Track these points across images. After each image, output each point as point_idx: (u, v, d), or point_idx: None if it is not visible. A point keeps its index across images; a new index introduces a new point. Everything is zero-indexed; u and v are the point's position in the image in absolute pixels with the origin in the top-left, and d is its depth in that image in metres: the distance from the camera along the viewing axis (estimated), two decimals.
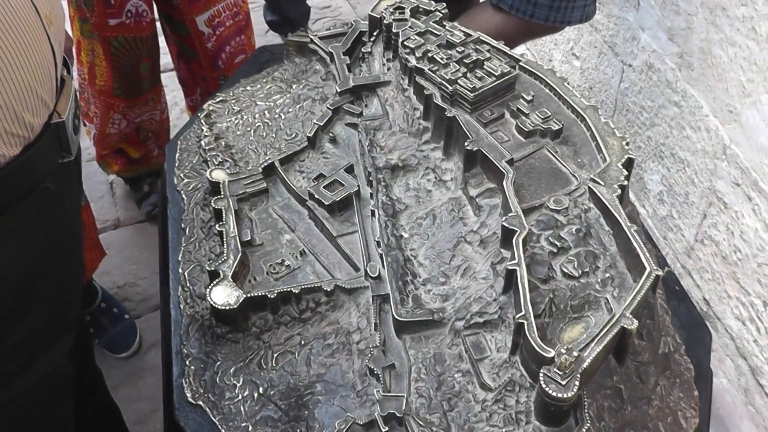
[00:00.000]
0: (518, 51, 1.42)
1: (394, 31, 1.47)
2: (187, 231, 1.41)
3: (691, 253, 1.98)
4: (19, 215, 1.07)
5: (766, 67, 1.54)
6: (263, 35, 3.23)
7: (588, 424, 0.94)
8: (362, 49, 1.57)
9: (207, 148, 1.52)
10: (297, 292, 1.20)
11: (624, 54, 2.15)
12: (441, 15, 1.48)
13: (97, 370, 1.71)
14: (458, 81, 1.31)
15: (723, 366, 1.90)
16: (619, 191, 1.15)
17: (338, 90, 1.48)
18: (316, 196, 1.32)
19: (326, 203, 1.31)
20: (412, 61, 1.39)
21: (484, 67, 1.34)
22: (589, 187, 1.17)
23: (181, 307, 1.29)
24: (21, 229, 1.08)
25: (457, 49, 1.37)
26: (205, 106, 1.65)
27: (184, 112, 2.85)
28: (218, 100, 1.66)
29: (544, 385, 0.92)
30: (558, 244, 1.10)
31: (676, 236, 2.03)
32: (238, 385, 1.17)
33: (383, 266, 1.21)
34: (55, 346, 1.25)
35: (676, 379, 1.19)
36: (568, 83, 1.34)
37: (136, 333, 2.28)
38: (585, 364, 0.94)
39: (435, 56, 1.36)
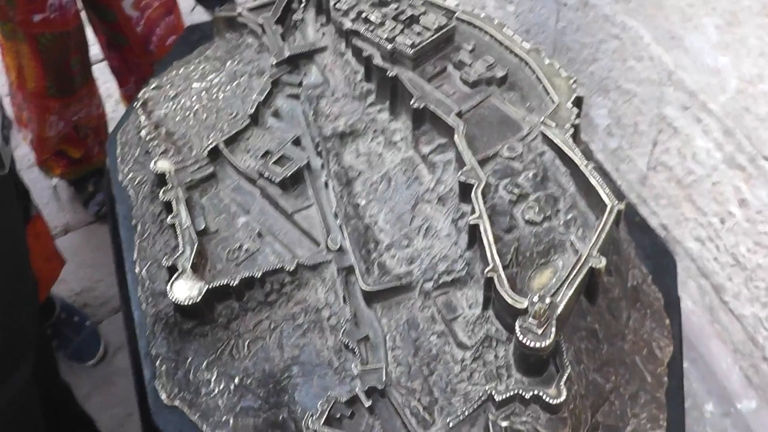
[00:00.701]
0: (451, 2, 1.38)
1: None
2: (138, 227, 1.37)
3: (645, 182, 1.98)
4: None
5: None
6: (189, 14, 3.13)
7: (569, 369, 0.93)
8: (293, 17, 1.53)
9: (148, 138, 1.47)
10: (259, 276, 1.17)
11: None
12: None
13: (65, 385, 1.66)
14: (396, 39, 1.28)
15: (686, 288, 1.91)
16: (572, 130, 1.14)
17: (274, 61, 1.44)
18: (265, 174, 1.29)
19: (277, 180, 1.28)
20: (347, 24, 1.35)
21: (421, 22, 1.31)
22: (541, 131, 1.15)
23: (143, 307, 1.26)
24: None
25: (391, 6, 1.34)
26: (139, 94, 1.59)
27: (119, 103, 2.76)
28: (153, 86, 1.61)
29: (521, 337, 0.91)
30: (516, 191, 1.09)
31: (628, 167, 2.03)
32: (213, 379, 1.14)
33: (344, 237, 1.19)
34: (14, 373, 1.19)
35: (646, 310, 1.19)
36: (507, 29, 1.32)
37: (100, 339, 2.23)
38: (559, 310, 0.93)
39: (369, 16, 1.33)
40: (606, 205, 1.03)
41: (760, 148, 1.51)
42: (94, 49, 2.31)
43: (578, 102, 1.19)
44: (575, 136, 1.15)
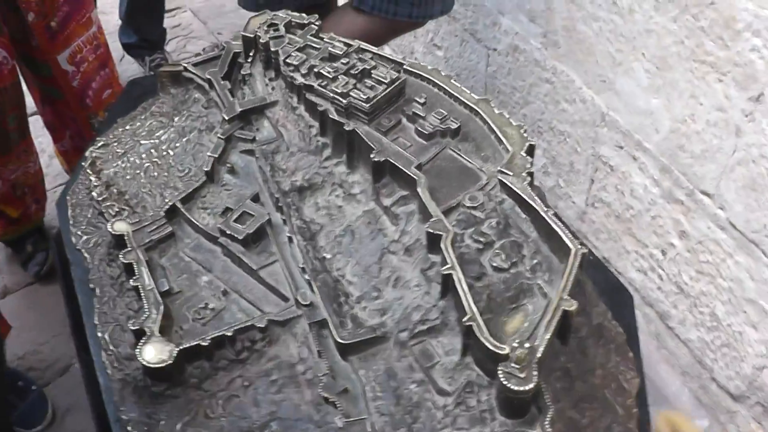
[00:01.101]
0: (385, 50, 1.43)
1: (272, 49, 1.44)
2: (97, 291, 1.35)
3: (584, 217, 2.06)
4: None
5: (632, 36, 1.62)
6: (119, 63, 3.11)
7: (552, 409, 0.96)
8: (241, 72, 1.54)
9: (100, 199, 1.46)
10: (230, 334, 1.18)
11: (487, 39, 2.20)
12: (316, 27, 1.47)
13: None
14: (350, 93, 1.31)
15: None
16: (528, 178, 1.18)
17: (225, 117, 1.45)
18: (227, 231, 1.29)
19: (240, 237, 1.28)
20: (299, 79, 1.37)
21: (372, 75, 1.34)
22: (499, 180, 1.19)
23: (109, 372, 1.24)
24: None
25: (342, 60, 1.37)
26: (87, 153, 1.58)
27: (53, 158, 2.71)
28: (99, 145, 1.59)
29: (505, 382, 0.94)
30: (482, 240, 1.13)
31: (566, 204, 2.11)
32: None
33: (313, 292, 1.20)
34: None
35: (610, 345, 1.24)
36: (454, 80, 1.36)
37: (47, 403, 2.16)
38: (539, 354, 0.96)
39: (321, 71, 1.35)
40: (570, 249, 1.07)
41: (697, 184, 1.60)
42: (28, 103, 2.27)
43: (531, 150, 1.24)
44: (531, 184, 1.19)
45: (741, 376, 1.74)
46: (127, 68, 3.17)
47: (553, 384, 1.04)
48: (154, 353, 1.14)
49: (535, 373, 0.95)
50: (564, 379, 1.07)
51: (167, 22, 3.23)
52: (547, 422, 0.95)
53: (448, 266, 1.06)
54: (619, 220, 1.92)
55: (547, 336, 0.98)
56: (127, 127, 1.63)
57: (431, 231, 1.11)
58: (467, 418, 1.03)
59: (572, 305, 1.01)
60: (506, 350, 0.96)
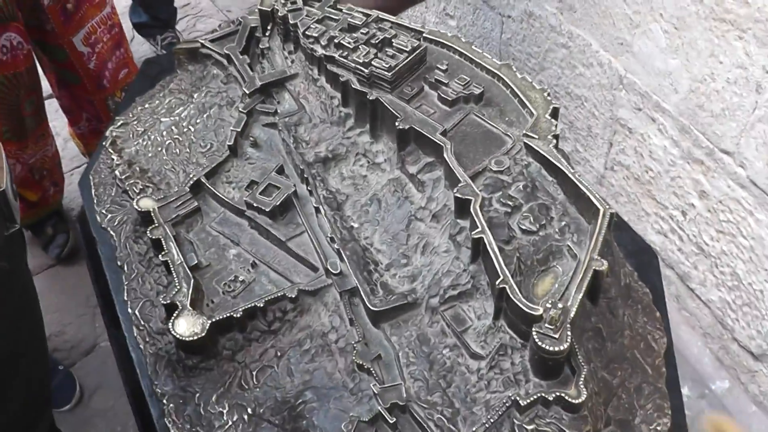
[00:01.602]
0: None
1: (291, 22, 1.44)
2: (125, 268, 1.36)
3: (602, 181, 2.06)
4: None
5: None
6: (130, 43, 3.11)
7: (585, 369, 0.97)
8: (260, 46, 1.54)
9: (123, 177, 1.47)
10: (261, 305, 1.19)
11: (500, 6, 2.19)
12: None
13: None
14: (372, 62, 1.31)
15: None
16: (554, 141, 1.18)
17: (246, 91, 1.46)
18: (254, 204, 1.30)
19: (267, 210, 1.29)
20: (320, 50, 1.37)
21: (393, 44, 1.34)
22: (524, 143, 1.19)
23: (141, 347, 1.25)
24: None
25: (361, 31, 1.37)
26: (107, 133, 1.58)
27: (68, 141, 2.72)
28: (119, 124, 1.60)
29: (539, 342, 0.95)
30: (510, 203, 1.13)
31: (585, 168, 2.10)
32: (225, 411, 1.15)
33: (342, 261, 1.21)
34: (37, 428, 1.17)
35: (637, 306, 1.24)
36: (475, 46, 1.36)
37: (74, 382, 2.18)
38: (571, 314, 0.97)
39: (341, 41, 1.35)
40: (598, 210, 1.08)
41: (717, 142, 1.59)
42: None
43: (555, 113, 1.24)
44: (557, 146, 1.19)
45: (762, 335, 1.74)
46: (138, 48, 3.17)
47: (584, 344, 1.04)
48: (187, 326, 1.15)
49: (569, 333, 0.95)
50: (595, 339, 1.08)
51: (176, 1, 3.23)
52: (581, 382, 0.96)
53: (478, 230, 1.07)
54: (638, 182, 1.92)
55: (579, 296, 0.99)
56: (146, 106, 1.63)
57: (459, 196, 1.12)
58: (501, 380, 1.03)
59: (602, 265, 1.01)
60: (539, 311, 0.97)
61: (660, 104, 1.72)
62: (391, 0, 1.96)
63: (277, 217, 1.30)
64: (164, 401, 1.17)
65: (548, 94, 1.25)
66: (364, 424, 1.05)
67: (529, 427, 0.97)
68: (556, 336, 0.95)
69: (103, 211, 1.46)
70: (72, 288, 2.40)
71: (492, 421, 0.99)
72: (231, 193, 1.37)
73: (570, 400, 0.95)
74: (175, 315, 1.16)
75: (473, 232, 1.07)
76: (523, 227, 1.11)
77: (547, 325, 0.95)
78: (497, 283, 1.01)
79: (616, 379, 1.09)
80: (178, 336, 1.14)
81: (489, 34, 2.32)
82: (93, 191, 1.51)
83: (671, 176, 1.79)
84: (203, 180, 1.37)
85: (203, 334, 1.14)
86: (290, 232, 1.28)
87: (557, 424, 0.97)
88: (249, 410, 1.14)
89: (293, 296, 1.19)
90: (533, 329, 0.96)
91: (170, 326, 1.15)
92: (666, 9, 1.61)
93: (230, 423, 1.13)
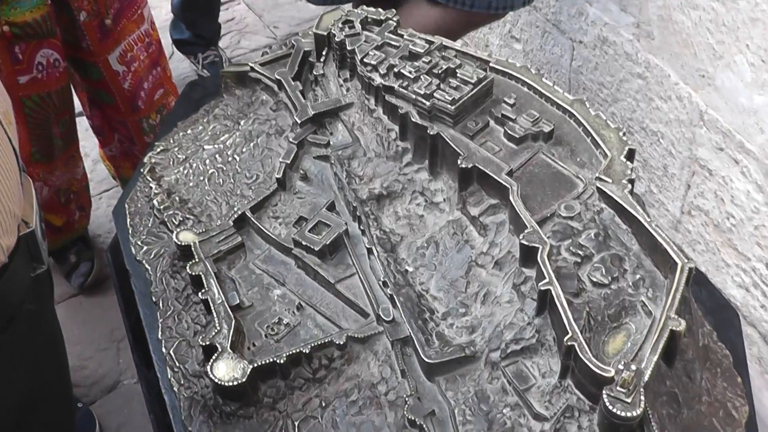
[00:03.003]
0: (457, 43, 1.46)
1: (348, 48, 1.49)
2: (160, 304, 1.41)
3: (678, 227, 2.07)
4: (3, 346, 1.04)
5: (736, 26, 1.63)
6: (168, 60, 3.21)
7: None
8: (313, 72, 1.59)
9: (161, 207, 1.52)
10: (307, 351, 1.22)
11: (571, 31, 2.22)
12: (394, 23, 1.51)
13: None
14: (434, 94, 1.34)
15: None
16: (629, 186, 1.21)
17: (297, 120, 1.50)
18: (303, 242, 1.34)
19: (316, 249, 1.33)
20: (378, 79, 1.41)
21: (457, 75, 1.37)
22: (597, 187, 1.22)
23: (176, 389, 1.29)
24: (6, 359, 1.05)
25: (423, 59, 1.41)
26: (145, 159, 1.64)
27: (97, 163, 2.80)
28: (159, 150, 1.66)
29: (610, 407, 0.97)
30: (580, 252, 1.15)
31: (659, 212, 2.12)
32: None
33: (395, 307, 1.24)
34: None
35: (716, 369, 1.26)
36: (545, 79, 1.39)
37: (94, 421, 2.24)
38: (646, 377, 0.99)
39: (402, 70, 1.39)
40: (676, 264, 1.10)
41: None
42: None
43: (631, 155, 1.26)
44: (632, 192, 1.22)
45: None
46: (177, 65, 3.25)
47: (659, 410, 1.06)
48: (226, 370, 1.19)
49: (642, 397, 0.97)
50: (669, 405, 1.09)
51: (220, 17, 3.30)
52: None
53: (545, 281, 1.09)
54: (717, 230, 1.93)
55: (654, 358, 1.01)
56: (188, 132, 1.69)
57: (526, 243, 1.15)
58: None
59: (680, 325, 1.03)
60: (611, 373, 0.99)
61: (744, 145, 1.73)
62: (454, 23, 2.01)
63: (326, 257, 1.34)
64: None
65: (624, 134, 1.28)
66: None
67: None
68: (629, 400, 0.97)
69: (139, 243, 1.51)
70: (95, 320, 2.47)
71: None
72: (277, 230, 1.41)
73: None
74: (214, 358, 1.20)
75: (540, 284, 1.10)
76: (594, 279, 1.13)
77: (619, 387, 0.97)
78: (565, 339, 1.03)
79: None
80: (216, 380, 1.18)
81: (558, 60, 2.36)
82: (128, 221, 1.56)
83: (755, 224, 1.79)
84: (248, 214, 1.41)
85: (244, 380, 1.17)
86: (340, 273, 1.32)
87: None
88: None
89: (341, 343, 1.23)
90: (604, 392, 0.98)
91: (208, 370, 1.19)
92: (753, 40, 1.63)
93: None
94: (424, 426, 1.12)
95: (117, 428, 2.25)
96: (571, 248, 1.16)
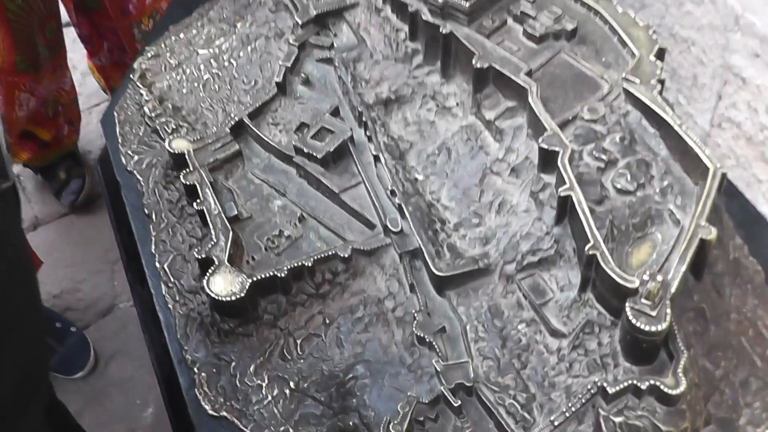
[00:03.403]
0: None
1: None
2: (153, 217, 1.38)
3: (707, 140, 2.02)
4: None
5: None
6: None
7: (685, 355, 0.96)
8: None
9: (153, 114, 1.49)
10: (309, 265, 1.20)
11: None
12: None
13: (62, 405, 1.65)
14: None
15: None
16: (659, 86, 1.17)
17: (299, 21, 1.46)
18: (305, 149, 1.31)
19: (319, 156, 1.30)
20: None
21: None
22: (623, 88, 1.18)
23: (171, 307, 1.28)
24: None
25: None
26: (135, 65, 1.60)
27: (87, 75, 2.76)
28: (150, 55, 1.62)
29: (633, 320, 0.94)
30: (604, 157, 1.12)
31: (687, 125, 2.06)
32: (264, 384, 1.17)
33: (404, 217, 1.21)
34: (28, 412, 1.19)
35: (747, 286, 1.22)
36: None
37: (89, 347, 2.24)
38: (673, 288, 0.96)
39: None
40: (707, 169, 1.06)
41: None
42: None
43: (661, 54, 1.22)
44: (661, 93, 1.17)
45: None
46: None
47: (685, 326, 1.03)
48: (224, 285, 1.17)
49: (668, 311, 0.95)
50: (697, 321, 1.06)
51: None
52: (680, 370, 0.95)
53: (565, 187, 1.06)
54: (750, 143, 1.88)
55: (682, 268, 0.98)
56: (181, 36, 1.64)
57: (545, 147, 1.11)
58: (585, 363, 1.03)
59: (710, 233, 1.00)
60: (635, 284, 0.96)
61: None
62: None
63: (329, 166, 1.31)
64: (195, 369, 1.19)
65: (653, 32, 1.23)
66: (423, 407, 1.05)
67: (617, 420, 0.96)
68: (654, 313, 0.94)
69: (130, 153, 1.48)
70: (88, 240, 2.45)
71: (573, 410, 0.99)
72: (278, 137, 1.38)
73: (666, 390, 0.94)
74: (210, 272, 1.18)
75: (560, 189, 1.06)
76: (619, 186, 1.09)
77: (643, 300, 0.95)
78: (587, 248, 1.00)
79: (719, 369, 1.08)
80: (213, 295, 1.16)
81: None
82: (118, 129, 1.53)
83: None
84: (246, 120, 1.38)
85: (242, 295, 1.15)
86: (344, 183, 1.29)
87: (650, 417, 0.96)
88: (291, 384, 1.15)
89: (346, 256, 1.20)
90: (627, 304, 0.95)
91: (205, 284, 1.16)
92: None
93: (269, 398, 1.15)
94: (434, 343, 1.10)
95: (112, 354, 2.25)
96: (594, 153, 1.12)
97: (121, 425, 2.09)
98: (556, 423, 0.99)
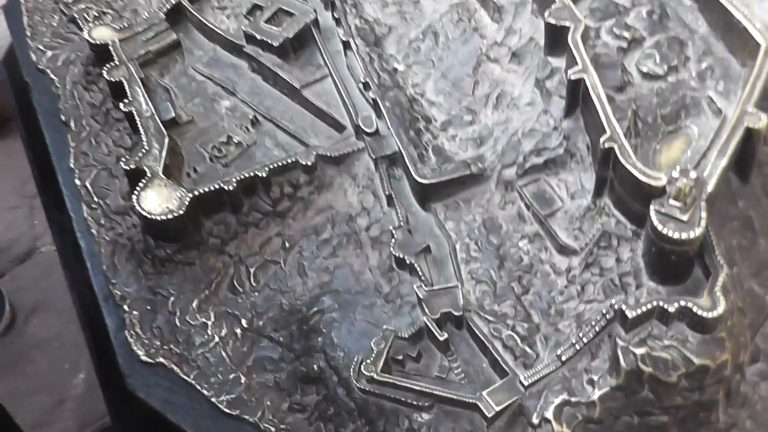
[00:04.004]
0: None
1: None
2: (72, 124, 1.38)
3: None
4: None
5: None
6: None
7: (725, 272, 0.96)
8: None
9: (70, 0, 1.48)
10: (264, 176, 1.19)
11: None
12: None
13: None
14: None
15: None
16: None
17: None
18: (258, 37, 1.30)
19: (275, 44, 1.29)
20: None
21: None
22: None
23: (95, 232, 1.27)
24: None
25: None
26: None
27: None
28: None
29: (659, 227, 0.94)
30: (627, 35, 1.11)
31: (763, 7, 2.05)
32: (210, 323, 1.17)
33: (380, 116, 1.21)
34: None
35: None
36: None
37: (2, 299, 2.24)
38: (709, 187, 0.95)
39: None
40: (758, 45, 1.05)
41: None
42: None
43: None
44: None
45: None
46: None
47: (727, 238, 1.03)
48: (158, 201, 1.16)
49: (703, 214, 0.94)
50: (743, 233, 1.06)
51: None
52: (717, 289, 0.95)
53: (577, 68, 1.05)
54: None
55: (722, 163, 0.97)
56: None
57: (553, 22, 1.10)
58: (601, 285, 1.03)
59: (759, 120, 0.99)
60: (662, 181, 0.95)
61: None
62: None
63: (289, 56, 1.30)
64: (125, 307, 1.19)
65: None
66: (402, 342, 1.06)
67: (639, 351, 0.96)
68: (685, 218, 0.93)
69: (41, 48, 1.47)
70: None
71: (585, 341, 0.99)
72: (225, 23, 1.38)
73: (700, 312, 0.94)
74: (141, 185, 1.17)
75: (570, 72, 1.06)
76: (645, 69, 1.09)
77: (672, 201, 0.94)
78: (602, 141, 0.99)
79: None
80: (145, 214, 1.15)
81: None
82: (25, 20, 1.52)
83: None
84: (185, 4, 1.37)
85: (181, 212, 1.15)
86: (307, 76, 1.29)
87: (679, 348, 0.96)
88: (243, 322, 1.16)
89: (309, 164, 1.20)
90: (652, 207, 0.94)
91: (135, 201, 1.16)
92: None
93: (216, 339, 1.16)
94: (416, 266, 1.10)
95: (33, 308, 2.25)
96: (614, 30, 1.12)
97: (46, 395, 2.10)
98: (563, 358, 0.99)
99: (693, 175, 0.95)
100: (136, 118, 1.24)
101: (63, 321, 2.17)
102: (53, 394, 2.09)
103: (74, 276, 1.38)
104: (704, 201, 0.95)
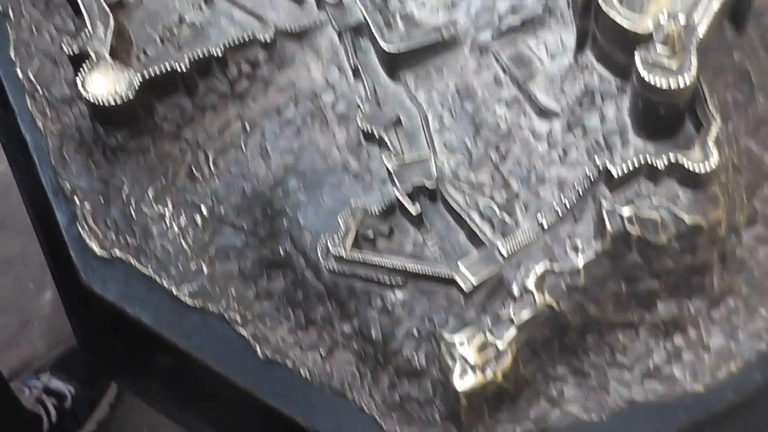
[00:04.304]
0: None
1: None
2: (11, 13, 1.34)
3: None
4: None
5: None
6: None
7: (718, 124, 0.94)
8: None
9: None
10: (220, 54, 1.17)
11: None
12: None
13: None
14: None
15: None
16: None
17: None
18: None
19: None
20: None
21: None
22: None
23: (41, 125, 1.25)
24: None
25: None
26: None
27: None
28: None
29: (645, 75, 0.92)
30: None
31: None
32: (168, 212, 1.16)
33: None
34: None
35: None
36: None
37: None
38: (700, 33, 0.93)
39: None
40: None
41: None
42: None
43: None
44: None
45: None
46: None
47: (721, 92, 1.01)
48: (106, 84, 1.14)
49: (694, 60, 0.92)
50: (739, 87, 1.05)
51: None
52: (710, 140, 0.93)
53: None
54: None
55: (715, 4, 0.95)
56: None
57: None
58: (584, 147, 1.02)
59: None
60: (648, 25, 0.93)
61: None
62: None
63: None
64: (76, 200, 1.18)
65: None
66: (372, 219, 1.05)
67: (626, 213, 0.95)
68: (674, 65, 0.91)
69: None
70: None
71: (567, 206, 0.98)
72: None
73: (691, 166, 0.92)
74: (86, 68, 1.14)
75: None
76: None
77: (658, 46, 0.92)
78: None
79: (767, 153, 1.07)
80: (92, 99, 1.13)
81: None
82: None
83: None
84: None
85: (130, 95, 1.13)
86: None
87: (669, 207, 0.95)
88: (203, 210, 1.15)
89: (268, 40, 1.18)
90: (636, 54, 0.92)
91: (80, 85, 1.14)
92: None
93: (175, 228, 1.14)
94: (386, 138, 1.09)
95: None
96: None
97: (11, 316, 2.10)
98: (544, 225, 0.98)
99: (682, 19, 0.92)
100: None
101: (25, 240, 2.17)
102: (18, 315, 2.09)
103: (22, 173, 1.36)
104: (694, 46, 0.93)
